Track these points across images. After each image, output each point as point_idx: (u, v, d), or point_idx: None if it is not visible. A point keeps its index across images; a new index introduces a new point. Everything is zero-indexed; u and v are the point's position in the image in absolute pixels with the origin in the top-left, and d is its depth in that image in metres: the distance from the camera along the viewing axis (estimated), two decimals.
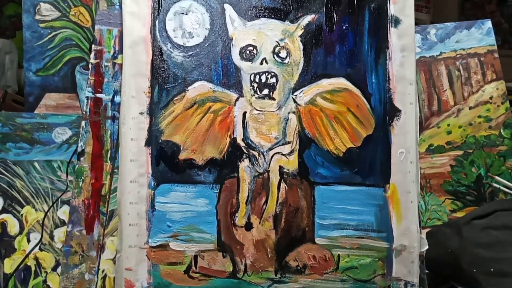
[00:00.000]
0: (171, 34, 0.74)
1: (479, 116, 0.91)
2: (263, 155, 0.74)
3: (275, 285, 0.73)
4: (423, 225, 0.82)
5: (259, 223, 0.73)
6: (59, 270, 0.75)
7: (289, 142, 0.74)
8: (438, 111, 0.92)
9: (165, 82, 0.73)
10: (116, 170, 0.74)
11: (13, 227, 0.78)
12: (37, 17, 0.88)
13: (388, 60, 0.76)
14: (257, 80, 0.74)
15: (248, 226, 0.73)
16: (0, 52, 1.18)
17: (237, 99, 0.74)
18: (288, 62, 0.75)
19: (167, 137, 0.73)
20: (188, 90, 0.74)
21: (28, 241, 0.78)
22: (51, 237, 0.78)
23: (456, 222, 0.77)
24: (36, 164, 0.80)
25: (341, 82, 0.76)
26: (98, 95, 0.75)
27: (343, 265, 0.73)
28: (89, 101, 0.75)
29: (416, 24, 0.78)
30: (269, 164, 0.74)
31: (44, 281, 0.76)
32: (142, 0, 0.74)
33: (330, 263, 0.73)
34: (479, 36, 0.92)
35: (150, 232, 0.71)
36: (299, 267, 0.73)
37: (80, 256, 0.72)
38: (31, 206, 0.79)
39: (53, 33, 0.88)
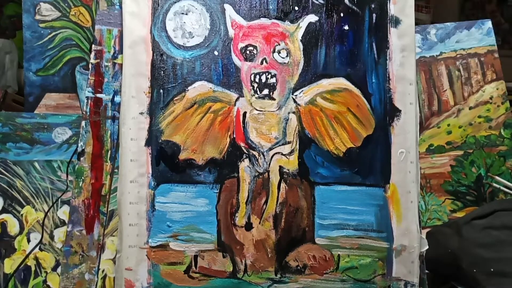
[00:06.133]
0: (171, 34, 0.74)
1: (479, 116, 0.91)
2: (263, 155, 0.74)
3: (275, 285, 0.73)
4: (423, 225, 0.82)
5: (259, 223, 0.73)
6: (59, 270, 0.75)
7: (289, 142, 0.74)
8: (438, 111, 0.92)
9: (165, 82, 0.73)
10: (116, 170, 0.74)
11: (13, 227, 0.78)
12: (37, 17, 0.88)
13: (388, 60, 0.76)
14: (257, 80, 0.74)
15: (248, 226, 0.73)
16: (0, 52, 1.18)
17: (237, 99, 0.74)
18: (288, 62, 0.75)
19: (167, 137, 0.73)
20: (188, 90, 0.74)
21: (28, 241, 0.78)
22: (51, 237, 0.78)
23: (456, 222, 0.77)
24: (36, 164, 0.80)
25: (341, 82, 0.76)
26: (98, 95, 0.75)
27: (343, 265, 0.73)
28: (89, 101, 0.75)
29: (416, 24, 0.78)
30: (269, 164, 0.74)
31: (44, 281, 0.76)
32: (142, 0, 0.74)
33: (330, 263, 0.73)
34: (479, 36, 0.92)
35: (150, 232, 0.71)
36: (299, 267, 0.73)
37: (80, 256, 0.72)
38: (31, 206, 0.79)
39: (53, 33, 0.88)
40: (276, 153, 0.74)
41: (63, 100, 0.88)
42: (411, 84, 0.76)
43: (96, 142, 0.74)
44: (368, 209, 0.74)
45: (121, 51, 0.74)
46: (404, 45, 0.76)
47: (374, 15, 0.77)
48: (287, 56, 0.75)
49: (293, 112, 0.75)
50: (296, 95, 0.75)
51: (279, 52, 0.75)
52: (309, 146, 0.74)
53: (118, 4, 0.75)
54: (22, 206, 0.79)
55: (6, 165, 0.79)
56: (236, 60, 0.75)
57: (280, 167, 0.74)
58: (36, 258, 0.77)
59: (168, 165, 0.73)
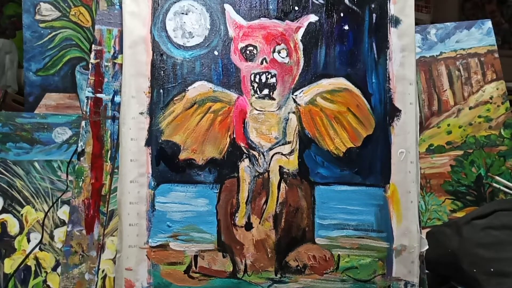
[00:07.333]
0: (171, 34, 0.74)
1: (479, 116, 0.91)
2: (263, 155, 0.74)
3: (275, 285, 0.73)
4: (423, 225, 0.82)
5: (259, 223, 0.73)
6: (59, 270, 0.75)
7: (289, 142, 0.74)
8: (438, 111, 0.92)
9: (165, 82, 0.73)
10: (116, 170, 0.74)
11: (13, 227, 0.78)
12: (37, 17, 0.88)
13: (388, 60, 0.76)
14: (257, 80, 0.74)
15: (248, 226, 0.73)
16: (0, 52, 1.18)
17: (237, 99, 0.74)
18: (288, 62, 0.75)
19: (167, 137, 0.73)
20: (188, 90, 0.74)
21: (28, 241, 0.78)
22: (51, 237, 0.78)
23: (456, 222, 0.77)
24: (36, 164, 0.80)
25: (341, 82, 0.76)
26: (98, 95, 0.75)
27: (343, 265, 0.73)
28: (89, 101, 0.75)
29: (416, 24, 0.78)
30: (269, 164, 0.74)
31: (44, 281, 0.76)
32: (142, 0, 0.74)
33: (330, 263, 0.73)
34: (479, 36, 0.92)
35: (150, 232, 0.71)
36: (299, 267, 0.73)
37: (80, 256, 0.72)
38: (31, 206, 0.79)
39: (53, 33, 0.88)
40: (276, 153, 0.74)
41: (63, 100, 0.88)
42: (411, 84, 0.76)
43: (96, 142, 0.74)
44: (368, 209, 0.74)
45: (121, 51, 0.74)
46: (404, 45, 0.76)
47: (374, 15, 0.77)
48: (287, 56, 0.75)
49: (293, 112, 0.75)
50: (296, 95, 0.75)
51: (279, 52, 0.75)
52: (309, 146, 0.74)
53: (118, 4, 0.75)
54: (22, 206, 0.79)
55: (6, 165, 0.79)
56: (236, 60, 0.75)
57: (280, 167, 0.74)
58: (36, 258, 0.77)
59: (168, 165, 0.73)
